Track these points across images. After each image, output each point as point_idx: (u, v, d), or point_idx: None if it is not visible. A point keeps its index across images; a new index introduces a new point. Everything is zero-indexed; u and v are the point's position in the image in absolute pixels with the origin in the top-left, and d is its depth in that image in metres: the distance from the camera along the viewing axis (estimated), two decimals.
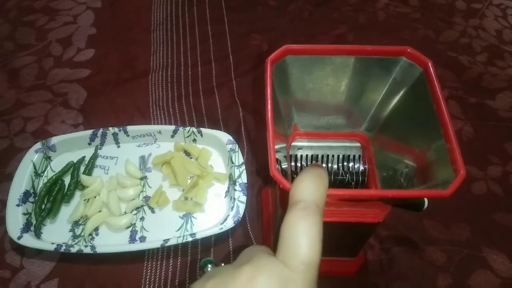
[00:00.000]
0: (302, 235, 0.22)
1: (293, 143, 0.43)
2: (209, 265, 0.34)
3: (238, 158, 0.56)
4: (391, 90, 0.37)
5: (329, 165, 0.42)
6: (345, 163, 0.42)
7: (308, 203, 0.23)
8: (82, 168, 0.57)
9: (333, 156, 0.42)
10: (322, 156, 0.42)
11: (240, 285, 0.21)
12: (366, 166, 0.42)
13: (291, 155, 0.42)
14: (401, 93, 0.36)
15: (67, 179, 0.56)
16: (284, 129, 0.39)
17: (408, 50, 0.34)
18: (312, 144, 0.43)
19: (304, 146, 0.43)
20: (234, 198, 0.52)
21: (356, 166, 0.42)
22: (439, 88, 0.31)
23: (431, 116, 0.31)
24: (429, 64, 0.32)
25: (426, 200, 0.42)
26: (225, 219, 0.50)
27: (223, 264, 0.29)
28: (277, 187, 0.41)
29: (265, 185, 0.57)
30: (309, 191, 0.24)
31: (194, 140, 0.60)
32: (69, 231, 0.52)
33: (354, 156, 0.42)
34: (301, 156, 0.43)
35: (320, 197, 0.24)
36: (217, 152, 0.60)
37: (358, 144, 0.42)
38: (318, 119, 0.42)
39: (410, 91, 0.35)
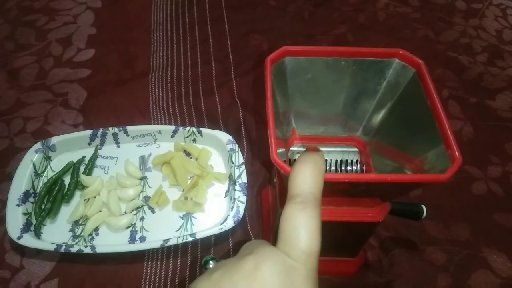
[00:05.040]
0: (301, 227, 0.22)
1: (292, 148, 0.43)
2: (211, 262, 0.34)
3: (238, 158, 0.56)
4: (386, 93, 0.37)
5: (327, 169, 0.43)
6: (343, 168, 0.42)
7: (306, 195, 0.23)
8: (82, 168, 0.57)
9: (331, 160, 0.42)
10: None
11: (244, 275, 0.21)
12: (364, 170, 0.42)
13: (289, 160, 0.42)
14: (396, 95, 0.36)
15: (67, 179, 0.56)
16: (283, 133, 0.39)
17: (401, 52, 0.34)
18: None
19: (302, 151, 0.43)
20: (234, 198, 0.52)
21: (353, 170, 0.42)
22: (431, 84, 0.32)
23: (426, 115, 0.31)
24: (422, 64, 0.33)
25: (424, 208, 0.42)
26: (225, 219, 0.50)
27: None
28: (277, 186, 0.41)
29: (265, 185, 0.57)
30: (306, 183, 0.24)
31: (194, 140, 0.60)
32: (69, 231, 0.52)
33: (351, 160, 0.42)
34: None
35: (317, 188, 0.24)
36: (217, 152, 0.60)
37: (356, 149, 0.43)
38: (315, 122, 0.42)
39: (404, 93, 0.35)
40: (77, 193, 0.56)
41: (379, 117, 0.39)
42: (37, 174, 0.56)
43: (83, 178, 0.55)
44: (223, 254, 0.52)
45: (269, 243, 0.24)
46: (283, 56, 0.35)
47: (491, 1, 0.89)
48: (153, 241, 0.50)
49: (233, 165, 0.55)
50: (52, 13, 0.84)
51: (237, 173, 0.54)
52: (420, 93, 0.33)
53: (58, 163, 0.58)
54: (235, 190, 0.53)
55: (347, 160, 0.42)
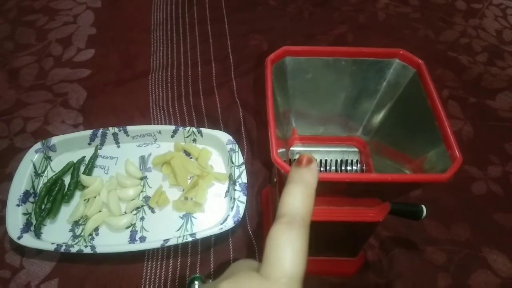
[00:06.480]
0: (285, 247, 0.21)
1: (292, 148, 0.43)
2: (196, 282, 0.34)
3: (238, 158, 0.56)
4: (386, 93, 0.37)
5: (327, 169, 0.43)
6: (343, 168, 0.42)
7: (293, 215, 0.22)
8: (82, 168, 0.57)
9: (331, 160, 0.42)
10: (320, 160, 0.43)
11: None
12: (364, 170, 0.42)
13: (289, 160, 0.42)
14: (396, 95, 0.36)
15: (67, 179, 0.56)
16: (283, 133, 0.39)
17: (401, 52, 0.34)
18: (310, 149, 0.43)
19: (302, 151, 0.43)
20: (234, 198, 0.52)
21: (353, 170, 0.42)
22: (431, 84, 0.32)
23: (426, 115, 0.31)
24: (422, 64, 0.33)
25: (424, 208, 0.43)
26: (225, 219, 0.50)
27: (210, 281, 0.29)
28: (277, 186, 0.41)
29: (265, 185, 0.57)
30: (295, 203, 0.23)
31: (194, 140, 0.60)
32: (69, 231, 0.52)
33: (352, 160, 0.42)
34: None
35: (306, 210, 0.23)
36: (217, 152, 0.60)
37: (356, 149, 0.43)
38: (315, 122, 0.42)
39: (404, 93, 0.36)
40: (77, 193, 0.56)
41: (379, 117, 0.39)
42: (37, 174, 0.56)
43: (83, 178, 0.55)
44: (223, 255, 0.51)
45: (253, 266, 0.24)
46: (284, 56, 0.35)
47: (491, 1, 0.89)
48: (153, 241, 0.50)
49: (233, 165, 0.55)
50: (52, 13, 0.84)
51: (237, 173, 0.54)
52: (420, 93, 0.33)
53: (58, 163, 0.58)
54: (235, 190, 0.53)
55: (347, 160, 0.42)
